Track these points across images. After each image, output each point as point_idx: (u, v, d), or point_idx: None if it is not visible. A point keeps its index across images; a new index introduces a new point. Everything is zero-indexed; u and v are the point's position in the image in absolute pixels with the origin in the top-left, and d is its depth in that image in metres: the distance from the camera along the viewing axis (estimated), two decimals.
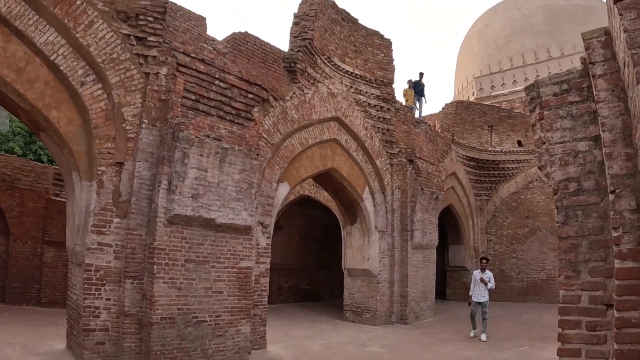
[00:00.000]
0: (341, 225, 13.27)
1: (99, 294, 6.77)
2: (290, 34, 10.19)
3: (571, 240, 2.77)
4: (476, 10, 66.27)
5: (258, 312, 8.59)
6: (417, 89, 16.32)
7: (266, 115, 9.07)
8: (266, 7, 76.74)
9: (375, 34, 12.34)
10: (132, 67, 7.30)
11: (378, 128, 12.33)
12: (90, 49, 6.87)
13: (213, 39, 8.39)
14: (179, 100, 7.39)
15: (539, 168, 3.13)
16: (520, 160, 18.70)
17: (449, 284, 18.98)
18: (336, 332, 10.87)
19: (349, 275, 12.81)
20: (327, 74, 10.90)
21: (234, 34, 8.98)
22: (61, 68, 6.74)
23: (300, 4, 10.57)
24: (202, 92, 7.73)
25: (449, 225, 18.27)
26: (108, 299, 6.84)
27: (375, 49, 12.23)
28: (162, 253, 6.92)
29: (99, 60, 6.95)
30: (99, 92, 7.06)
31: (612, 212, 2.49)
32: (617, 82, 2.62)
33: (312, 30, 10.06)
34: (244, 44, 8.92)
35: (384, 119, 12.39)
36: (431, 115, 18.37)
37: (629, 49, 2.16)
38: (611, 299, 2.60)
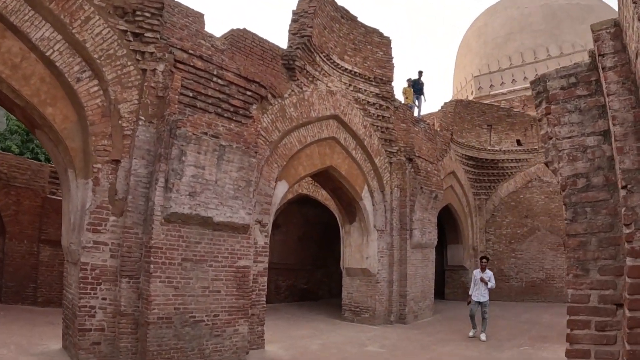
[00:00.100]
0: (340, 224, 13.19)
1: (94, 294, 6.68)
2: (289, 31, 10.10)
3: (580, 237, 2.69)
4: (475, 9, 66.23)
5: (256, 311, 8.51)
6: (416, 87, 16.24)
7: (264, 112, 8.99)
8: (264, 5, 76.67)
9: (375, 32, 12.26)
10: (129, 63, 7.21)
11: (377, 126, 12.25)
12: (87, 44, 6.78)
13: (211, 36, 8.29)
14: (176, 97, 7.30)
15: (546, 164, 3.05)
16: (519, 160, 18.68)
17: (447, 284, 18.94)
18: (335, 331, 10.79)
19: (347, 274, 12.73)
20: (326, 71, 10.81)
21: (232, 30, 8.89)
22: (57, 64, 6.64)
23: (299, 1, 10.47)
24: (200, 88, 7.64)
25: (447, 225, 18.22)
26: (104, 299, 6.75)
27: (374, 46, 12.16)
28: (158, 252, 6.83)
29: (96, 56, 6.86)
30: (95, 88, 6.97)
31: (623, 209, 2.41)
32: (628, 74, 2.54)
33: (311, 27, 9.98)
34: (242, 41, 8.83)
35: (383, 117, 12.32)
36: (430, 114, 18.32)
37: None
38: (621, 298, 2.53)
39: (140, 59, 7.30)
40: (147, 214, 7.01)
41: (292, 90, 9.76)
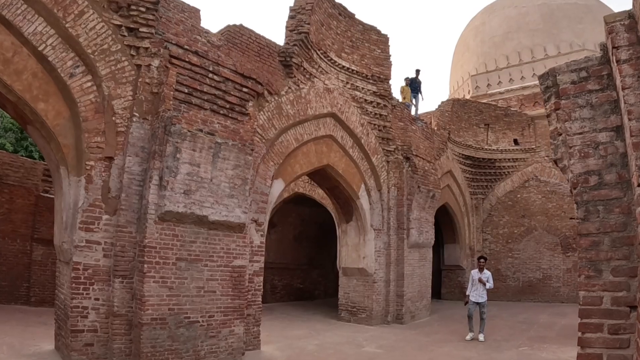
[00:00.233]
0: (336, 224, 13.09)
1: (87, 294, 6.54)
2: (286, 27, 9.98)
3: (592, 237, 2.59)
4: (473, 8, 66.25)
5: (252, 312, 8.38)
6: (413, 86, 16.15)
7: (261, 110, 8.86)
8: (261, 1, 76.37)
9: (372, 30, 12.17)
10: (123, 58, 7.07)
11: (374, 125, 12.15)
12: (80, 39, 6.64)
13: (207, 31, 8.16)
14: (171, 93, 7.16)
15: (554, 161, 2.95)
16: (517, 159, 18.66)
17: (444, 283, 18.88)
18: (331, 332, 10.68)
19: (344, 274, 12.62)
20: (323, 69, 10.70)
21: (229, 26, 8.76)
22: (50, 59, 6.50)
23: None
24: (195, 85, 7.51)
25: (444, 224, 18.15)
26: (97, 299, 6.61)
27: (372, 44, 12.05)
28: (152, 251, 6.69)
29: (89, 51, 6.72)
30: (89, 84, 6.83)
31: (638, 207, 2.31)
32: None
33: (308, 24, 9.86)
34: (238, 37, 8.70)
35: (381, 115, 12.22)
36: (427, 113, 18.24)
37: None
38: (635, 300, 2.43)
39: (134, 54, 7.16)
40: (141, 213, 6.87)
41: (289, 88, 9.64)
